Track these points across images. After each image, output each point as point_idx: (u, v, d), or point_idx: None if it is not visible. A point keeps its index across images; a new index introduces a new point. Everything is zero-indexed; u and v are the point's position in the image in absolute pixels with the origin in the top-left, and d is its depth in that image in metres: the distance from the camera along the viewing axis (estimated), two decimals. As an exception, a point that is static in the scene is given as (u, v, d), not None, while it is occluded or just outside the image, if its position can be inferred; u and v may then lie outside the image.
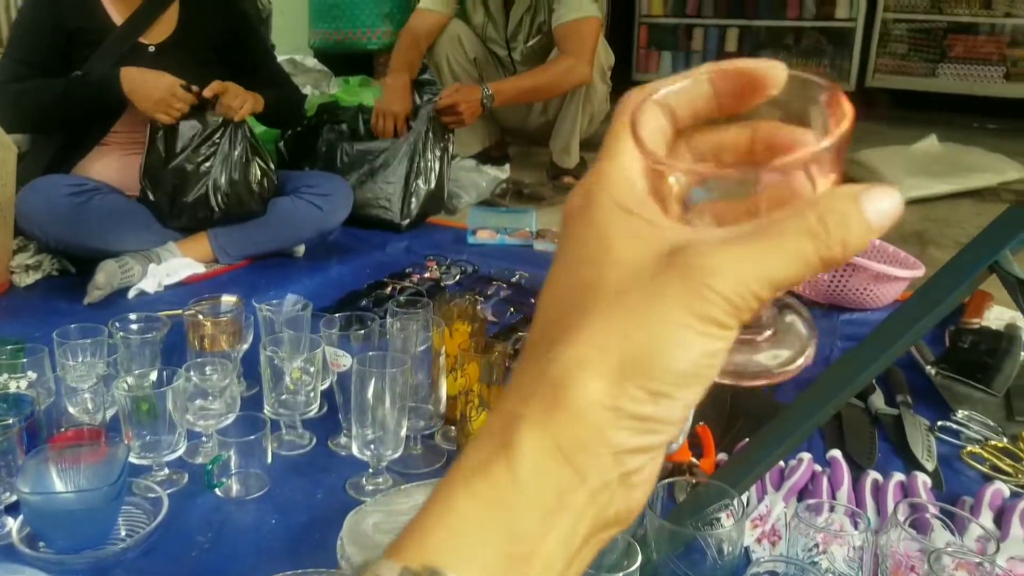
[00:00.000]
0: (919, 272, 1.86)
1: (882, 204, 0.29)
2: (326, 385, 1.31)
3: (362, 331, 1.24)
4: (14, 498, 0.98)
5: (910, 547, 0.89)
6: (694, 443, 1.25)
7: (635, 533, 0.81)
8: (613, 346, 0.29)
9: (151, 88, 1.82)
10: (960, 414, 1.43)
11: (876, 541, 0.89)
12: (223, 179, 1.90)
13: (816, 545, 0.87)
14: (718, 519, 0.88)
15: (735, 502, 0.83)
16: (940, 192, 2.75)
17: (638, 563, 0.76)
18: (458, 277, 1.95)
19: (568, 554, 0.29)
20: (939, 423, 1.39)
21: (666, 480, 0.91)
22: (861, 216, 0.28)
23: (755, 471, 0.89)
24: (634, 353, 0.28)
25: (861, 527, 0.87)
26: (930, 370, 1.58)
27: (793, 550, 0.89)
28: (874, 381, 1.51)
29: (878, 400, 1.46)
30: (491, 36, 2.86)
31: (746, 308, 0.28)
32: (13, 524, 0.99)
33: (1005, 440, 1.35)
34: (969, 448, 1.33)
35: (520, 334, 1.63)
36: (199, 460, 1.17)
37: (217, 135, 1.91)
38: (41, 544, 0.97)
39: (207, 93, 1.88)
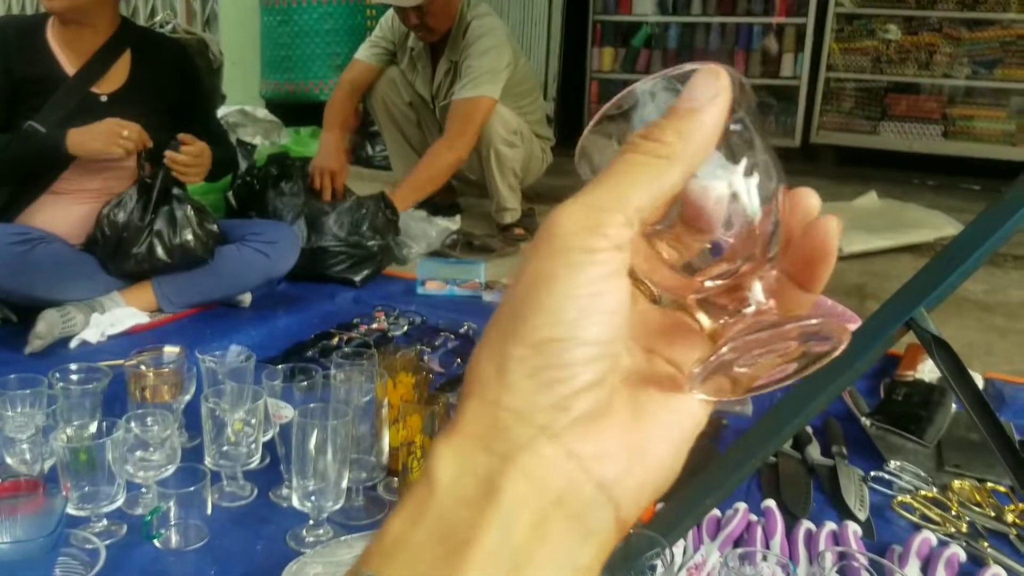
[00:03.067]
0: (854, 325, 1.91)
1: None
2: (268, 436, 1.31)
3: (305, 382, 1.25)
4: (-56, 555, 0.97)
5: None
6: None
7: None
8: (493, 333, 0.30)
9: (94, 134, 1.83)
10: (892, 464, 1.47)
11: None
12: (167, 232, 1.91)
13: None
14: (653, 567, 0.90)
15: (667, 551, 0.86)
16: (880, 247, 2.85)
17: None
18: (406, 328, 1.97)
19: (513, 541, 0.28)
20: (872, 473, 1.43)
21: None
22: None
23: (687, 520, 0.92)
24: (511, 314, 0.29)
25: (789, 574, 0.90)
26: (865, 421, 1.63)
27: (723, 599, 0.91)
28: (811, 432, 1.56)
29: (814, 451, 1.50)
30: (419, 90, 2.98)
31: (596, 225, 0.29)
32: (-60, 580, 0.97)
33: (935, 490, 1.39)
34: (900, 498, 1.37)
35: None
36: (138, 511, 1.16)
37: (155, 192, 1.92)
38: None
39: (186, 140, 1.91)
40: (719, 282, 0.31)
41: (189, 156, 1.92)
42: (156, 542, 1.10)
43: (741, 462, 1.00)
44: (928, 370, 1.84)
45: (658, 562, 0.87)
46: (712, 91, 0.30)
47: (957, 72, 4.39)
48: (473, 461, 0.29)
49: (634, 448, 0.30)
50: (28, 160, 1.87)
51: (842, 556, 1.06)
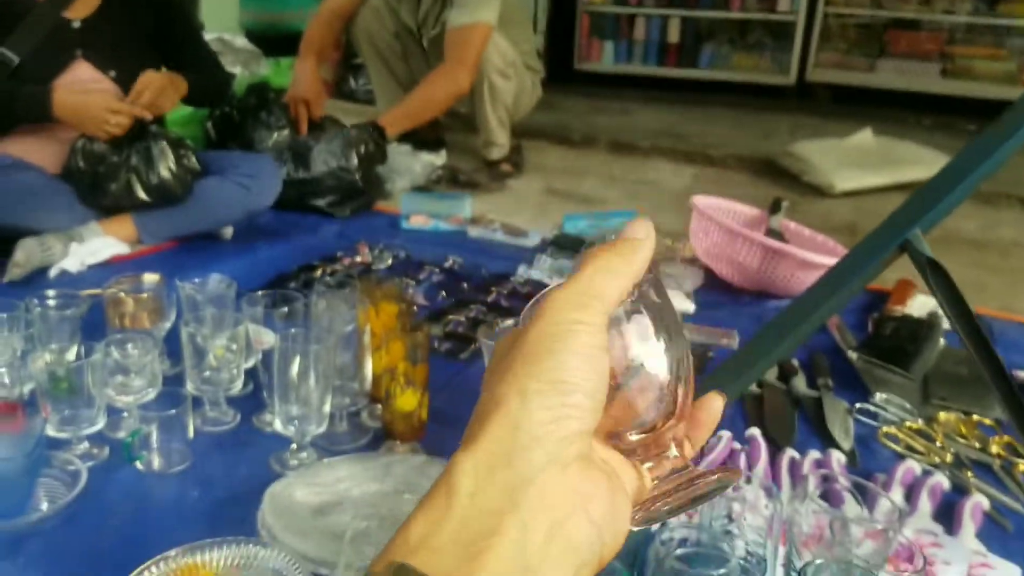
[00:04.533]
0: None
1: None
2: (250, 364, 1.29)
3: (286, 308, 1.23)
4: (-80, 469, 0.95)
5: (821, 518, 0.92)
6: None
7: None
8: (511, 369, 0.37)
9: (83, 114, 1.80)
10: (878, 397, 1.48)
11: (787, 511, 0.91)
12: (143, 169, 1.86)
13: (728, 515, 0.89)
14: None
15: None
16: (872, 185, 2.83)
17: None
18: (390, 262, 1.94)
19: (528, 549, 0.33)
20: (858, 405, 1.43)
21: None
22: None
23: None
24: (523, 359, 0.36)
25: (772, 496, 0.89)
26: (852, 354, 1.63)
27: (706, 519, 0.91)
28: (797, 365, 1.56)
29: (800, 383, 1.50)
30: (405, 20, 2.86)
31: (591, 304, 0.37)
32: (-80, 496, 0.97)
33: (920, 422, 1.40)
34: (885, 429, 1.38)
35: (450, 317, 1.64)
36: (120, 435, 1.15)
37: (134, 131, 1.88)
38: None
39: (133, 96, 1.87)
40: (642, 436, 0.39)
41: (146, 99, 1.87)
42: (138, 464, 1.09)
43: (733, 377, 1.00)
44: (917, 306, 1.84)
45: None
46: (646, 231, 0.39)
47: (959, 8, 4.31)
48: (496, 475, 0.33)
49: (612, 497, 0.36)
50: (9, 114, 1.82)
51: (825, 479, 1.06)
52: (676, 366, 0.39)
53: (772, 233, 1.97)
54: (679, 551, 0.77)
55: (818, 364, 1.57)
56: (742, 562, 0.83)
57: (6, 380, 1.16)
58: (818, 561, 0.72)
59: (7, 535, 0.94)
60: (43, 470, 1.03)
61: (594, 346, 0.36)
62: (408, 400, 1.17)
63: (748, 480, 1.01)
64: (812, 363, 1.58)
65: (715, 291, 1.90)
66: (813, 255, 1.79)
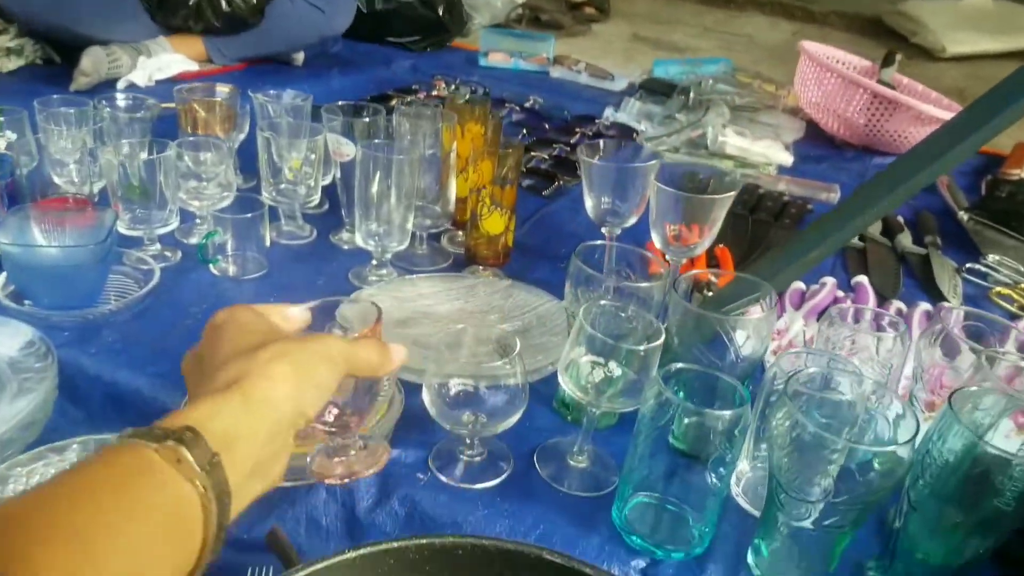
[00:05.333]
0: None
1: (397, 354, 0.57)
2: (328, 180, 1.23)
3: (367, 119, 1.15)
4: (-3, 254, 0.92)
5: (944, 360, 0.84)
6: (713, 263, 1.19)
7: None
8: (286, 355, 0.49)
9: None
10: (990, 257, 1.38)
11: (911, 348, 0.83)
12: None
13: (852, 342, 0.81)
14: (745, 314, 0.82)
15: (770, 294, 0.77)
16: (987, 50, 2.60)
17: (661, 339, 0.70)
18: (467, 97, 1.83)
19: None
20: (968, 265, 1.34)
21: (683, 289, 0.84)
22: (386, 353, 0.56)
23: (791, 270, 0.83)
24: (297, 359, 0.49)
25: (900, 329, 0.81)
26: (962, 215, 1.52)
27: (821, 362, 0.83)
28: (903, 222, 1.45)
29: (905, 239, 1.40)
30: None
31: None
32: (-3, 280, 0.94)
33: (1034, 284, 1.30)
34: (998, 289, 1.28)
35: (533, 154, 1.55)
36: (192, 240, 1.11)
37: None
38: (26, 302, 0.92)
39: None
40: (333, 424, 0.59)
41: None
42: (212, 268, 1.04)
43: (848, 218, 0.90)
44: (1034, 171, 1.70)
45: (758, 304, 0.79)
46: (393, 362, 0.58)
47: None
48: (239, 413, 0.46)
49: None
50: None
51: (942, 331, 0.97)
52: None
53: (883, 83, 1.81)
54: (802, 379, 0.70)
55: (926, 223, 1.47)
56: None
57: (75, 178, 1.11)
58: (971, 388, 0.64)
59: (79, 324, 0.91)
60: (115, 267, 0.99)
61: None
62: (495, 223, 1.09)
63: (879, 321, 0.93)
64: (919, 222, 1.48)
65: (817, 144, 1.77)
66: (930, 107, 1.64)
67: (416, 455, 0.79)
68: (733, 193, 0.91)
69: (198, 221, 1.12)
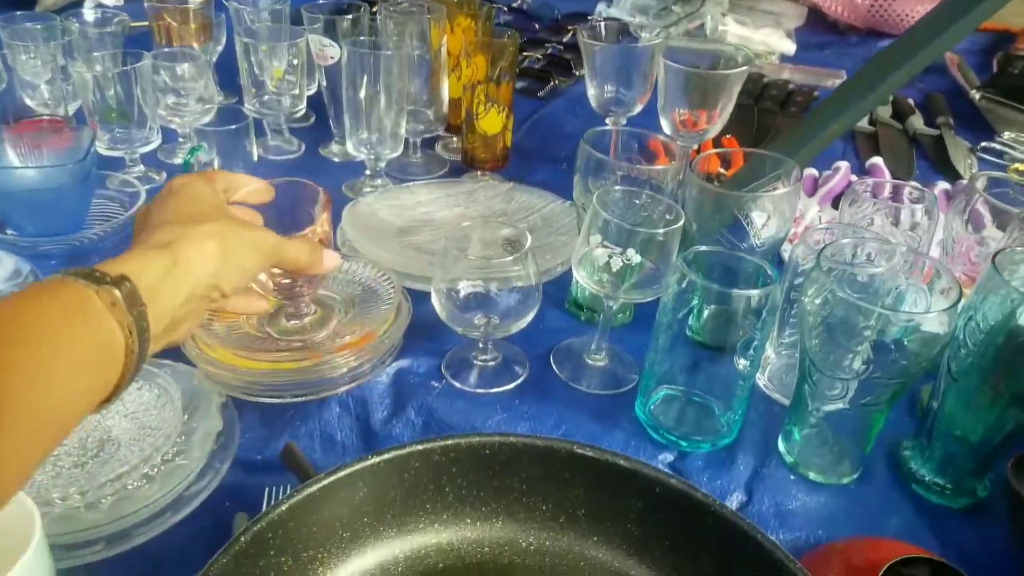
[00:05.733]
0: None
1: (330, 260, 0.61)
2: (313, 88, 1.17)
3: (350, 19, 1.08)
4: (-30, 182, 0.87)
5: (972, 234, 0.81)
6: (724, 158, 1.14)
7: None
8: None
9: None
10: (1006, 135, 1.33)
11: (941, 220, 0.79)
12: None
13: (871, 222, 0.78)
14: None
15: (795, 169, 0.73)
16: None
17: (681, 222, 0.66)
18: (453, -2, 1.75)
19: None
20: (982, 144, 1.30)
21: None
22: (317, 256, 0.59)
23: (815, 143, 0.78)
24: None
25: (928, 200, 0.77)
26: (974, 94, 1.46)
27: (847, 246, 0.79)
28: (913, 104, 1.40)
29: (917, 121, 1.35)
30: None
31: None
32: (-29, 209, 0.89)
33: (1052, 160, 1.26)
34: (1016, 166, 1.24)
35: (525, 55, 1.48)
36: (176, 160, 1.06)
37: None
38: (9, 230, 0.87)
39: None
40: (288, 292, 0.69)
41: None
42: (200, 186, 1.00)
43: (868, 86, 0.85)
44: (1047, 46, 1.63)
45: (780, 182, 0.74)
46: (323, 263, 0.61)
47: None
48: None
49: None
50: None
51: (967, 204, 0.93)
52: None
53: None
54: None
55: (936, 103, 1.41)
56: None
57: (48, 99, 1.05)
58: (1018, 248, 0.60)
59: (67, 252, 0.87)
60: (99, 191, 0.95)
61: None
62: (492, 122, 1.04)
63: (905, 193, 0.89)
64: (929, 103, 1.42)
65: (820, 30, 1.70)
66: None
67: (429, 364, 0.76)
68: (746, 68, 0.86)
69: (181, 140, 1.07)
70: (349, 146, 1.00)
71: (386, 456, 0.52)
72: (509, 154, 1.09)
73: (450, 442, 0.54)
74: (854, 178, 1.12)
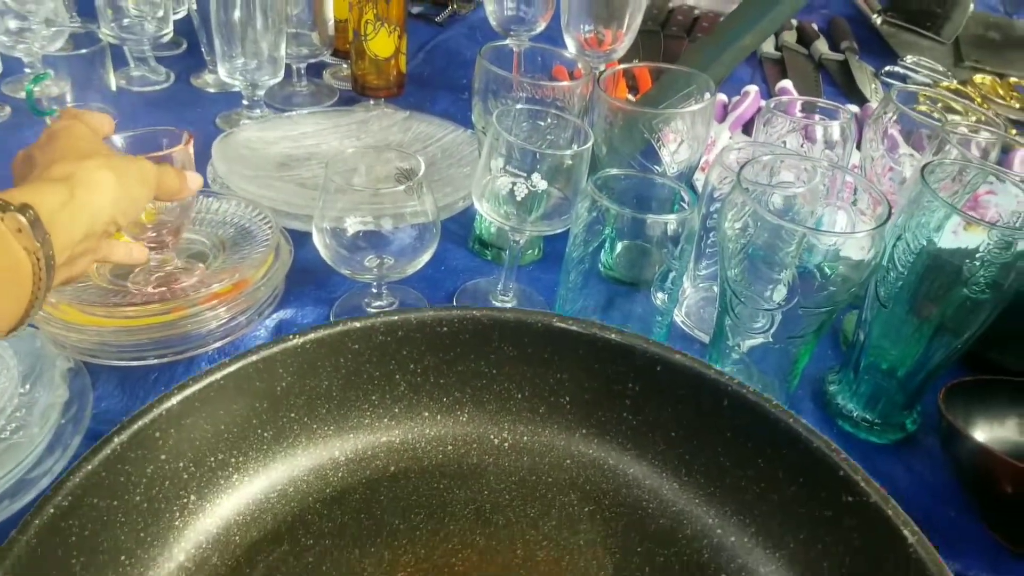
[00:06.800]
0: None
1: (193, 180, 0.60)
2: (182, 12, 1.05)
3: (219, -71, 0.96)
4: None
5: (888, 155, 0.78)
6: (632, 84, 1.09)
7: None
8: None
9: None
10: (908, 59, 1.33)
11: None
12: None
13: (784, 144, 0.74)
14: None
15: (709, 86, 0.67)
16: None
17: (590, 142, 0.60)
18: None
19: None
20: (886, 68, 1.29)
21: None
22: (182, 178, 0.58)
23: (726, 57, 0.73)
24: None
25: (843, 115, 0.73)
26: (876, 18, 1.45)
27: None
28: (816, 28, 1.38)
29: (822, 46, 1.33)
30: None
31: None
32: None
33: (955, 83, 1.26)
34: (923, 92, 1.23)
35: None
36: (21, 94, 0.93)
37: None
38: None
39: None
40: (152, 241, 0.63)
41: None
42: (48, 120, 0.88)
43: (738, 35, 0.79)
44: (944, -31, 1.63)
45: (692, 100, 0.69)
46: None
47: None
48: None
49: None
50: None
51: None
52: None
53: None
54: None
55: (840, 28, 1.40)
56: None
57: None
58: (945, 160, 0.57)
59: None
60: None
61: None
62: (382, 43, 0.95)
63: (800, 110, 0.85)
64: (833, 28, 1.41)
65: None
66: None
67: (316, 313, 0.68)
68: (653, -19, 0.79)
69: (27, 70, 0.94)
70: (222, 72, 0.90)
71: (312, 336, 0.42)
72: (404, 81, 1.00)
73: (396, 318, 0.44)
74: (763, 103, 1.08)
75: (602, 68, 0.85)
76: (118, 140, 0.63)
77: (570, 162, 0.59)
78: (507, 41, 0.90)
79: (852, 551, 0.36)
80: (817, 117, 0.78)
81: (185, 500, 0.40)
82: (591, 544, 0.42)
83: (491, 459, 0.46)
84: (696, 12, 1.39)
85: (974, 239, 0.52)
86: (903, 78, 1.28)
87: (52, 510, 0.33)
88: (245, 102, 0.93)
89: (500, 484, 0.44)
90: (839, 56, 1.31)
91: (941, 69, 1.31)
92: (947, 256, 0.53)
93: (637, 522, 0.43)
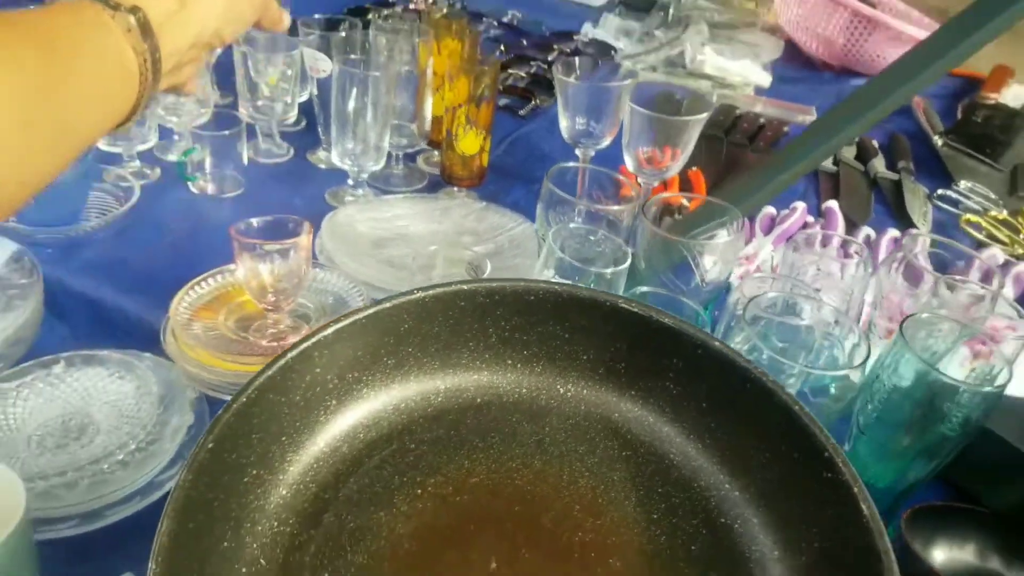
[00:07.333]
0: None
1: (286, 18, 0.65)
2: (305, 96, 1.22)
3: (343, 34, 1.14)
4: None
5: (905, 287, 0.87)
6: (685, 187, 1.20)
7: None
8: None
9: None
10: (962, 184, 1.40)
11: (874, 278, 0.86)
12: None
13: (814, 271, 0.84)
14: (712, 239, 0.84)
15: (738, 220, 0.79)
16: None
17: (627, 263, 0.73)
18: (445, 11, 1.80)
19: None
20: (939, 191, 1.36)
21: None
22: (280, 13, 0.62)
23: (759, 195, 0.85)
24: None
25: (863, 255, 0.84)
26: (937, 140, 1.53)
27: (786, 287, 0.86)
28: (876, 145, 1.47)
29: (878, 164, 1.42)
30: None
31: None
32: (-26, 198, 0.94)
33: (1005, 212, 1.32)
34: (968, 216, 1.30)
35: (510, 72, 1.54)
36: (171, 157, 1.11)
37: None
38: (12, 219, 0.93)
39: None
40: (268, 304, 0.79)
41: None
42: (191, 185, 1.05)
43: (817, 142, 0.91)
44: (1012, 95, 1.71)
45: (724, 229, 0.81)
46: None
47: None
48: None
49: None
50: None
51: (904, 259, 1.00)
52: None
53: (866, 2, 1.79)
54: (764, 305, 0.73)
55: (899, 147, 1.48)
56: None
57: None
58: (923, 315, 0.67)
59: (62, 242, 0.92)
60: (96, 184, 1.00)
61: None
62: (470, 143, 1.10)
63: (824, 244, 0.96)
64: (893, 146, 1.49)
65: (795, 65, 1.77)
66: (910, 27, 1.63)
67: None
68: (705, 115, 0.92)
69: (176, 138, 1.13)
70: (334, 156, 1.06)
71: (431, 292, 0.55)
72: (485, 173, 1.15)
73: (495, 285, 0.57)
74: (810, 219, 1.19)
75: (657, 183, 0.98)
76: (254, 222, 0.77)
77: (609, 277, 0.72)
78: (576, 151, 1.04)
79: (825, 516, 0.48)
80: (854, 245, 0.89)
81: (328, 403, 0.54)
82: (623, 480, 0.55)
83: (555, 404, 0.58)
84: (761, 120, 1.50)
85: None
86: (955, 202, 1.35)
87: (244, 399, 0.48)
88: (350, 181, 1.09)
89: (559, 424, 0.57)
90: (894, 176, 1.39)
91: (993, 197, 1.38)
92: (926, 392, 0.63)
93: (663, 470, 0.55)
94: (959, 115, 1.63)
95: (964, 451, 0.66)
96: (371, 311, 0.54)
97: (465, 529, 0.50)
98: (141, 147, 1.06)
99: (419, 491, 0.52)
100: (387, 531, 0.49)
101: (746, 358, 0.54)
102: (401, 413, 0.56)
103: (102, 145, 1.03)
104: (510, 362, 0.59)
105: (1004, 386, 0.61)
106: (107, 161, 1.05)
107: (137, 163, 1.08)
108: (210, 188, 1.06)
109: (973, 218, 1.30)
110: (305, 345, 0.51)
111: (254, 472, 0.48)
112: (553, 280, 0.60)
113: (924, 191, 1.36)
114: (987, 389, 0.60)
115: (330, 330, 0.52)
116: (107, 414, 0.70)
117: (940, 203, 1.34)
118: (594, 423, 0.57)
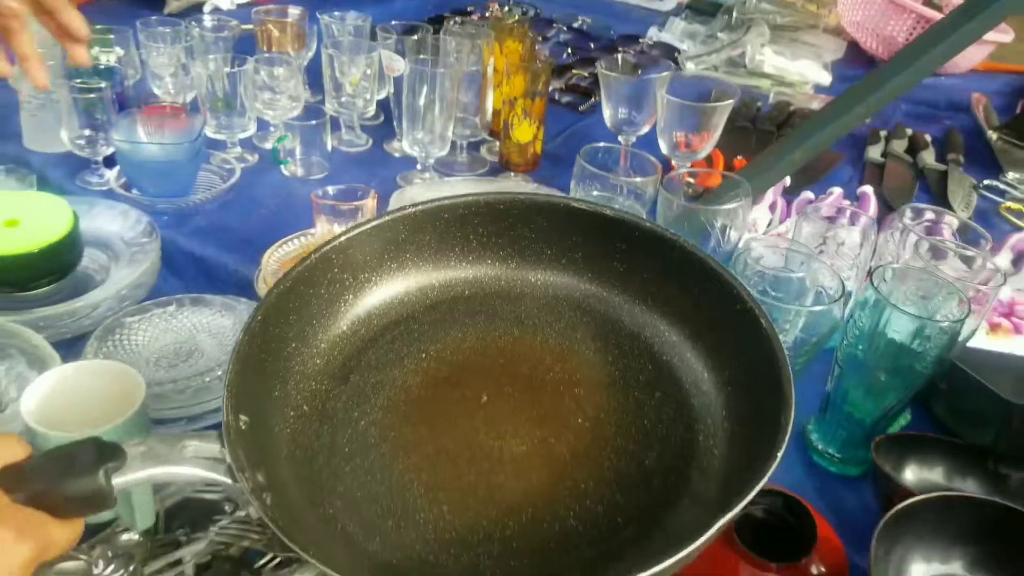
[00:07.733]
0: (1007, 37, 1.77)
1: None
2: (382, 94, 1.38)
3: (416, 37, 1.29)
4: (111, 150, 1.12)
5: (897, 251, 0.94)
6: (708, 164, 1.29)
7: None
8: None
9: None
10: (1010, 175, 1.42)
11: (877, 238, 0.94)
12: None
13: (823, 240, 0.93)
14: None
15: (749, 195, 0.89)
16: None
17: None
18: (517, 17, 1.94)
19: None
20: (985, 182, 1.39)
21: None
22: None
23: (773, 172, 0.94)
24: None
25: (863, 220, 0.92)
26: (991, 134, 1.56)
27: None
28: (928, 140, 1.50)
29: (928, 156, 1.45)
30: None
31: None
32: (111, 173, 1.14)
33: (1047, 201, 1.35)
34: (1008, 204, 1.34)
35: (574, 72, 1.66)
36: (267, 145, 1.28)
37: None
38: (134, 190, 1.11)
39: None
40: None
41: None
42: (283, 168, 1.22)
43: (831, 119, 0.99)
44: (1076, 92, 1.72)
45: (737, 203, 0.91)
46: None
47: None
48: None
49: None
50: None
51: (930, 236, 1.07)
52: None
53: (931, 5, 1.83)
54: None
55: (953, 140, 1.51)
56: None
57: (171, 89, 1.29)
58: (894, 265, 0.76)
59: (176, 211, 1.10)
60: (204, 165, 1.18)
61: None
62: (524, 132, 1.23)
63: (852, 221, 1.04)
64: (947, 139, 1.52)
65: (857, 64, 1.82)
66: (967, 27, 1.67)
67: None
68: (730, 102, 1.02)
69: (272, 128, 1.29)
70: (405, 144, 1.21)
71: (420, 207, 0.69)
72: (539, 159, 1.27)
73: (471, 199, 0.70)
74: (845, 203, 1.26)
75: (687, 164, 1.08)
76: (331, 189, 0.90)
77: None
78: (619, 138, 1.15)
79: (740, 337, 0.61)
80: (863, 217, 0.97)
81: (346, 296, 0.68)
82: (584, 338, 0.69)
83: (528, 290, 0.72)
84: (792, 107, 1.56)
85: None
86: (1001, 192, 1.39)
87: (281, 287, 0.62)
88: (419, 166, 1.23)
89: (532, 304, 0.71)
90: (942, 166, 1.43)
91: (1039, 187, 1.41)
92: (894, 332, 0.72)
93: (615, 328, 0.69)
94: (1018, 111, 1.66)
95: (949, 394, 0.75)
96: (374, 223, 0.67)
97: (460, 377, 0.65)
98: (242, 135, 1.24)
99: (423, 355, 0.67)
100: (401, 382, 0.64)
101: (672, 232, 0.67)
102: (404, 304, 0.70)
103: (210, 133, 1.21)
104: (489, 261, 0.72)
105: (961, 321, 0.69)
106: (214, 147, 1.23)
107: (239, 149, 1.25)
108: (299, 171, 1.23)
109: (1014, 205, 1.34)
110: (325, 249, 0.65)
111: (293, 345, 0.63)
112: (517, 191, 0.72)
113: (971, 181, 1.39)
114: (944, 324, 0.69)
115: (343, 238, 0.66)
116: (210, 344, 0.86)
117: (986, 192, 1.37)
118: (560, 301, 0.71)
